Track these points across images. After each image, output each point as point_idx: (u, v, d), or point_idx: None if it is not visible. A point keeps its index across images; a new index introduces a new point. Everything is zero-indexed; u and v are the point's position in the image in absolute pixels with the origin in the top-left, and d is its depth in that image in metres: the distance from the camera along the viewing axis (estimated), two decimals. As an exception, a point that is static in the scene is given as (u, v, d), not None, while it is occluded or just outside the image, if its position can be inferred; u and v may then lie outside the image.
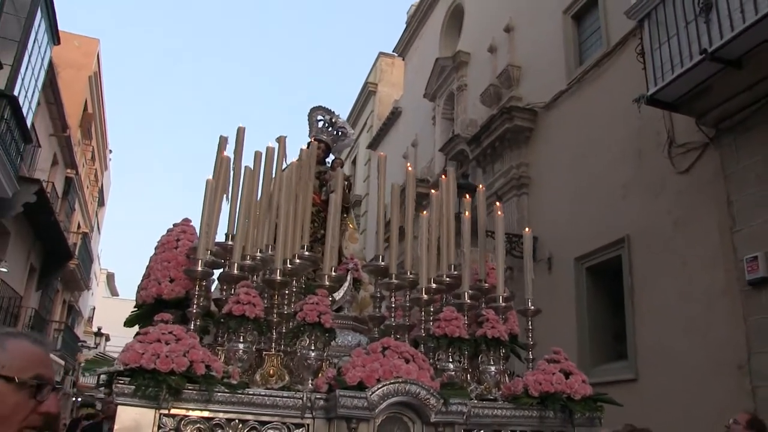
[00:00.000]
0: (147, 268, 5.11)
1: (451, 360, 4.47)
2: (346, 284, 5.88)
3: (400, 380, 3.86)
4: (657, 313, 10.18)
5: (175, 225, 5.28)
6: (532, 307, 4.99)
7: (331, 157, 6.74)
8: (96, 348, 33.69)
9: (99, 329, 34.04)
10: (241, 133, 4.94)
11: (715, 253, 9.16)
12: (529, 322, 4.96)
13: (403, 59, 27.06)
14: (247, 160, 4.97)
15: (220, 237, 4.84)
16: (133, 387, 3.57)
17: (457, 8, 21.36)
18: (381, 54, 29.85)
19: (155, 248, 5.17)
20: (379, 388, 3.81)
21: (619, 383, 10.33)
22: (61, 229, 22.41)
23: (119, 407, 3.64)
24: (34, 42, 16.03)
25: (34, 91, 16.77)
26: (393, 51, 27.88)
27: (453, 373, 4.43)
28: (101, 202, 39.81)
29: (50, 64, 18.08)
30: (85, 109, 28.13)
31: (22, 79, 15.47)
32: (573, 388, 4.44)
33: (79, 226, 30.41)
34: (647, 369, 10.30)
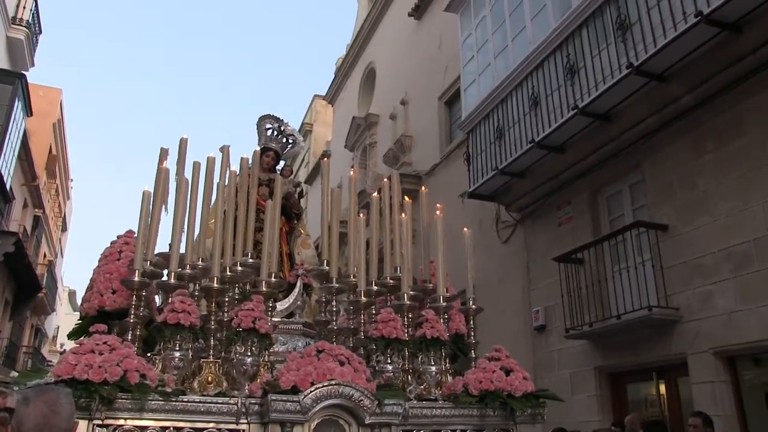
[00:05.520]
0: (90, 280, 5.10)
1: (390, 361, 4.43)
2: (297, 290, 5.89)
3: (333, 383, 3.87)
4: (488, 348, 13.22)
5: (118, 237, 5.26)
6: (474, 306, 5.04)
7: (281, 164, 6.78)
8: (61, 366, 34.66)
9: (63, 347, 35.95)
10: (183, 144, 4.93)
11: (519, 305, 12.19)
12: (471, 321, 5.05)
13: (332, 106, 28.11)
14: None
15: (164, 247, 4.83)
16: (66, 398, 3.53)
17: (372, 71, 22.95)
18: (316, 96, 30.88)
19: (99, 260, 5.16)
20: (312, 392, 3.82)
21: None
22: (32, 264, 23.30)
23: None
24: (13, 122, 17.66)
25: (12, 160, 18.67)
26: (324, 97, 28.79)
27: (392, 374, 4.39)
28: (64, 228, 40.35)
29: (24, 131, 19.77)
30: (50, 151, 28.98)
31: (3, 154, 17.20)
32: (513, 386, 4.45)
33: (45, 256, 31.10)
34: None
